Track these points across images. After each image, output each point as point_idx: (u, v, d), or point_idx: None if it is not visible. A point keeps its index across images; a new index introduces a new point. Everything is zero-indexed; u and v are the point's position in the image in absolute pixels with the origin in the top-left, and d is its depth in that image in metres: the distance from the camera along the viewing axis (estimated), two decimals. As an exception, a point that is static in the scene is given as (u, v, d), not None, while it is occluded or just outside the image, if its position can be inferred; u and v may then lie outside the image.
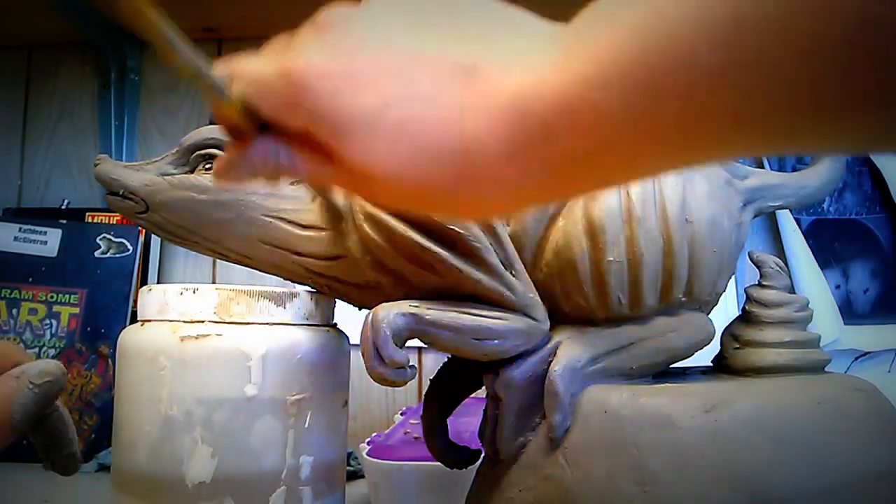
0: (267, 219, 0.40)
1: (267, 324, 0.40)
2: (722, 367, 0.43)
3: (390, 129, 0.21)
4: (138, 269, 0.87)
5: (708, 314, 0.42)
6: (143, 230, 0.71)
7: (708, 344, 0.41)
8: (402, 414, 0.74)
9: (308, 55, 0.22)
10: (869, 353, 0.85)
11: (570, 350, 0.38)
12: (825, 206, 0.90)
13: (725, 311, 0.76)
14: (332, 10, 0.23)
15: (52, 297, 0.82)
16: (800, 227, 0.89)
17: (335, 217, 0.40)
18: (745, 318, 0.43)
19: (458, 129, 0.21)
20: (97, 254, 0.85)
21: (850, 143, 0.20)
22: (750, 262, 0.45)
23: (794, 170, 0.86)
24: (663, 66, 0.17)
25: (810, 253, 0.87)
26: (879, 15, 0.15)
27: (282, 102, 0.23)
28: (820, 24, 0.15)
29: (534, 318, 0.38)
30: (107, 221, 0.92)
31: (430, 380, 0.47)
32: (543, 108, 0.19)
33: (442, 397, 0.47)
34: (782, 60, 0.16)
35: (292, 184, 0.41)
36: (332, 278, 0.41)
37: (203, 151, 0.42)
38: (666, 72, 0.17)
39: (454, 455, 0.47)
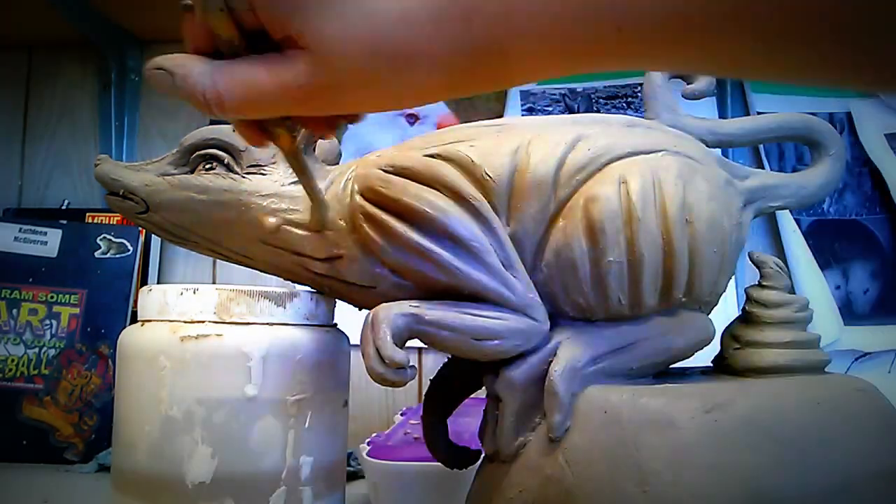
0: (267, 219, 0.40)
1: (267, 324, 0.40)
2: (722, 367, 0.43)
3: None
4: (138, 269, 0.87)
5: (708, 314, 0.42)
6: (143, 230, 0.71)
7: (708, 344, 0.41)
8: (402, 414, 0.74)
9: None
10: (869, 353, 0.85)
11: (570, 350, 0.38)
12: (825, 206, 0.90)
13: (725, 311, 0.76)
14: None
15: (52, 297, 0.82)
16: (800, 227, 0.89)
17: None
18: (745, 318, 0.43)
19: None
20: (97, 254, 0.85)
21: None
22: (750, 262, 0.45)
23: (794, 170, 0.87)
24: None
25: (810, 253, 0.87)
26: None
27: None
28: None
29: (534, 319, 0.38)
30: (107, 221, 0.92)
31: (430, 380, 0.47)
32: None
33: (442, 397, 0.47)
34: None
35: (294, 183, 0.41)
36: (332, 278, 0.41)
37: (203, 151, 0.42)
38: None
39: (454, 455, 0.47)
